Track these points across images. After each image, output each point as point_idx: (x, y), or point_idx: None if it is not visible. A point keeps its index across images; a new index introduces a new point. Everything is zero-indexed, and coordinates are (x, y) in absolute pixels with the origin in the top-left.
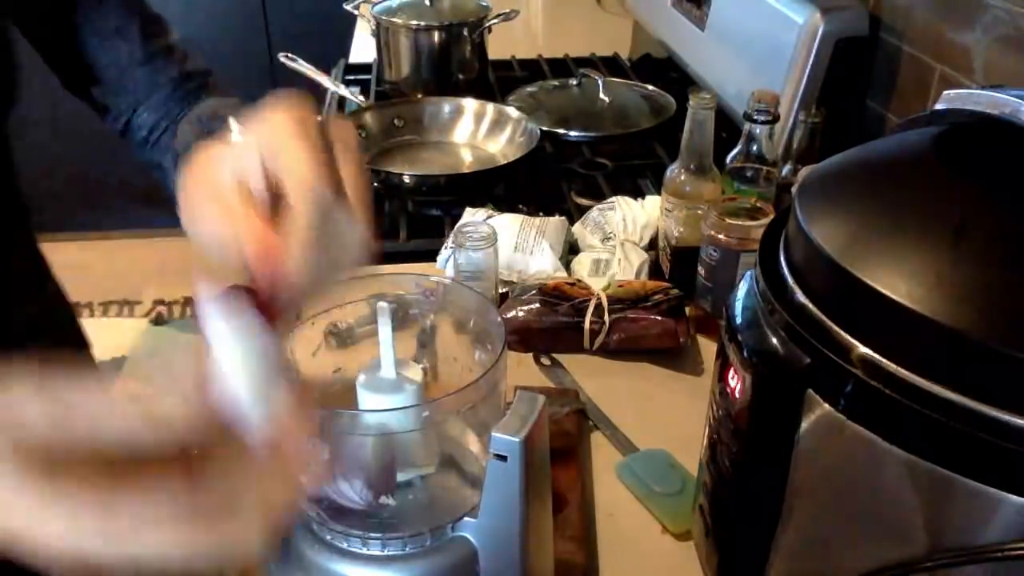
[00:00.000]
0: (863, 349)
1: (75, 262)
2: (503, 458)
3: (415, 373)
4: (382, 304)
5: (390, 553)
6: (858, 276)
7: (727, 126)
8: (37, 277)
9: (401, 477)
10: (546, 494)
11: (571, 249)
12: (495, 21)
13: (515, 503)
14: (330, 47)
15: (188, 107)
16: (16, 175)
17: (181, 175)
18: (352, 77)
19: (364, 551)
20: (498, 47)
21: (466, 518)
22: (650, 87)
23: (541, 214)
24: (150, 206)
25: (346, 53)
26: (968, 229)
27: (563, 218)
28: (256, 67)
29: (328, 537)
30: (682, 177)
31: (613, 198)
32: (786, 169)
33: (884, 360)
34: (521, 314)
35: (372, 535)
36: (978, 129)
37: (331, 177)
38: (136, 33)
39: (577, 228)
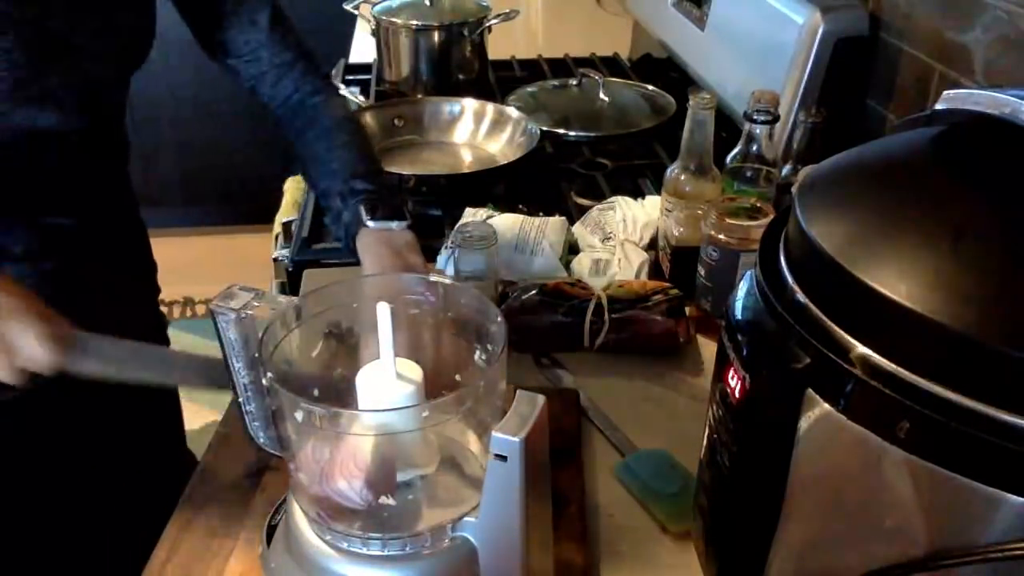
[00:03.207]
0: (863, 349)
1: None
2: (503, 458)
3: (415, 373)
4: (382, 304)
5: (390, 553)
6: (858, 276)
7: (727, 126)
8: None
9: (401, 477)
10: (546, 494)
11: (571, 249)
12: (495, 21)
13: (515, 503)
14: (330, 47)
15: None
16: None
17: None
18: (352, 77)
19: (364, 551)
20: (498, 47)
21: (466, 518)
22: (650, 87)
23: (541, 214)
24: (150, 206)
25: (346, 53)
26: (968, 229)
27: (563, 218)
28: None
29: (328, 537)
30: (682, 177)
31: (613, 198)
32: (786, 169)
33: (884, 360)
34: (521, 314)
35: (372, 535)
36: (978, 129)
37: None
38: (265, 21)
39: (577, 228)
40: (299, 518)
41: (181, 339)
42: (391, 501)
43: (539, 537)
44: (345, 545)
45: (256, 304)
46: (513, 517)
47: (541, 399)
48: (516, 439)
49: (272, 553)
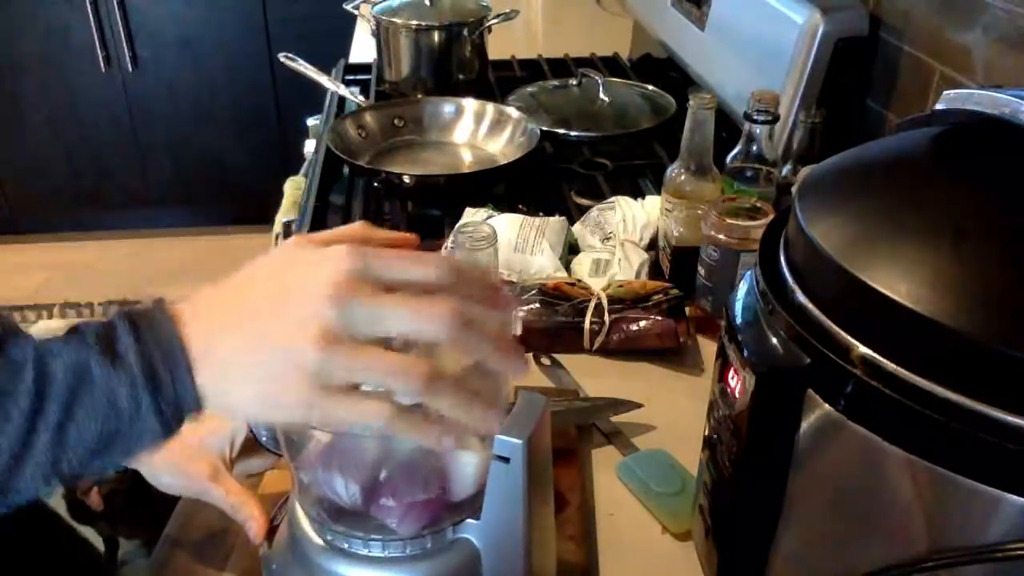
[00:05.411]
0: (863, 349)
1: (75, 262)
2: (505, 460)
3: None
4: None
5: (391, 555)
6: (858, 276)
7: (727, 126)
8: None
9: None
10: (548, 495)
11: (571, 249)
12: (495, 21)
13: (518, 505)
14: (330, 47)
15: None
16: None
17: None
18: (352, 77)
19: (365, 552)
20: (498, 47)
21: (468, 520)
22: (650, 87)
23: (541, 214)
24: (150, 206)
25: (346, 53)
26: (968, 229)
27: (563, 218)
28: (256, 67)
29: (330, 537)
30: (682, 177)
31: (613, 198)
32: (786, 169)
33: (884, 360)
34: (521, 314)
35: (373, 536)
36: (978, 129)
37: None
38: None
39: (577, 228)
40: (301, 518)
41: None
42: (392, 503)
43: (541, 538)
44: (346, 546)
45: None
46: (516, 519)
47: (543, 399)
48: (519, 440)
49: (274, 553)
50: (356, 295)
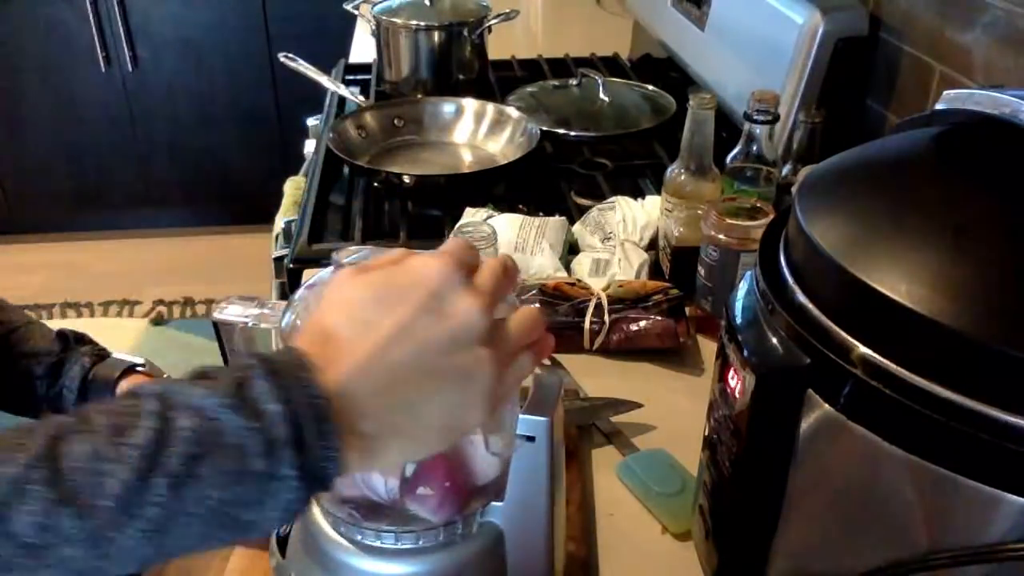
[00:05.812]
0: (863, 349)
1: (75, 262)
2: (531, 439)
3: None
4: None
5: (423, 545)
6: (858, 276)
7: (727, 126)
8: None
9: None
10: (561, 475)
11: (571, 249)
12: (495, 21)
13: (542, 483)
14: (330, 47)
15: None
16: None
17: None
18: (352, 77)
19: (398, 546)
20: (498, 47)
21: (493, 503)
22: (650, 87)
23: (541, 214)
24: (150, 206)
25: (346, 53)
26: (968, 229)
27: (563, 218)
28: (256, 67)
29: (359, 537)
30: (682, 177)
31: (613, 198)
32: (786, 169)
33: (884, 360)
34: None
35: (407, 529)
36: (978, 129)
37: None
38: None
39: (577, 228)
40: (322, 524)
41: (181, 339)
42: (429, 491)
43: (557, 521)
44: (379, 543)
45: (260, 312)
46: (540, 498)
47: (561, 373)
48: (544, 418)
49: (291, 563)
50: (473, 288)
